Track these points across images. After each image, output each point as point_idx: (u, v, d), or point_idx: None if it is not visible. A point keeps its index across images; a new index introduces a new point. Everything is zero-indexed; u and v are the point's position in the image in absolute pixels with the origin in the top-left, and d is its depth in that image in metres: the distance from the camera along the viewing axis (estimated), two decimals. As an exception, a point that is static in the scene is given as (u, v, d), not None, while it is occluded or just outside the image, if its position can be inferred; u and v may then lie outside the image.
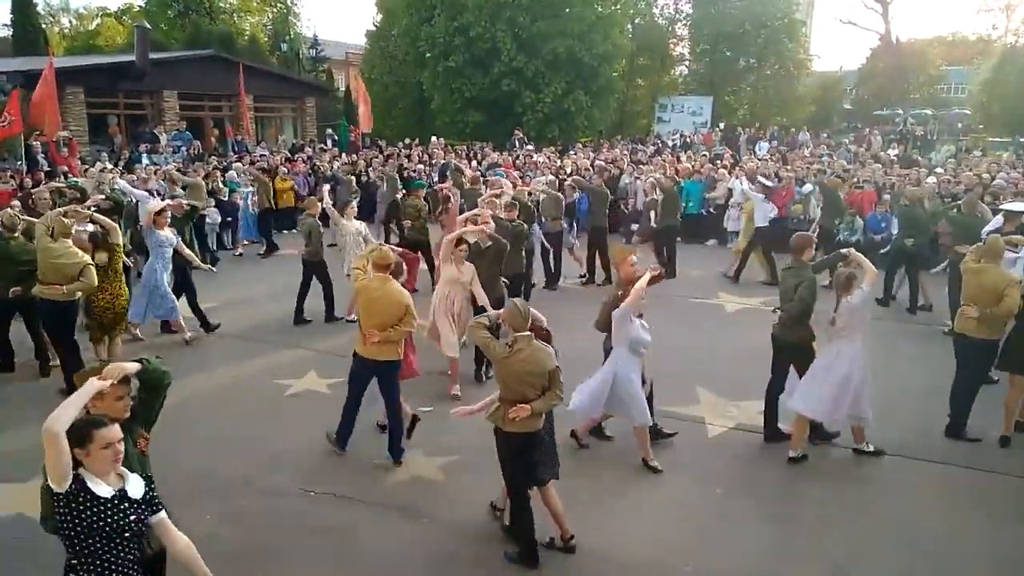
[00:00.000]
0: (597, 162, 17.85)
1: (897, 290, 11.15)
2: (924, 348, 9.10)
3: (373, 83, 32.45)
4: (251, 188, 15.78)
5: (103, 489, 3.06)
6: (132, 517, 3.11)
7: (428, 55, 29.17)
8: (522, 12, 27.14)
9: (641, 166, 18.17)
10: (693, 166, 17.38)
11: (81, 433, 3.03)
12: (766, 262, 12.27)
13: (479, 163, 19.43)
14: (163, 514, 3.22)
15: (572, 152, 22.65)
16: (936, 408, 6.96)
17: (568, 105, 28.11)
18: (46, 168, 15.38)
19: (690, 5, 35.03)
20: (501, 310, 5.25)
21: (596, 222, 12.32)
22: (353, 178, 16.18)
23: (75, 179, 12.65)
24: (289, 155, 20.04)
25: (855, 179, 15.59)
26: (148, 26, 24.79)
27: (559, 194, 12.18)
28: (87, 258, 7.54)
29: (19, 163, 15.30)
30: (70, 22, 49.73)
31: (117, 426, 3.16)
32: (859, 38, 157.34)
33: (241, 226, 15.43)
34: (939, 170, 17.52)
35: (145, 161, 17.59)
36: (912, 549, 5.18)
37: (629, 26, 33.22)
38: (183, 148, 20.35)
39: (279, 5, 39.16)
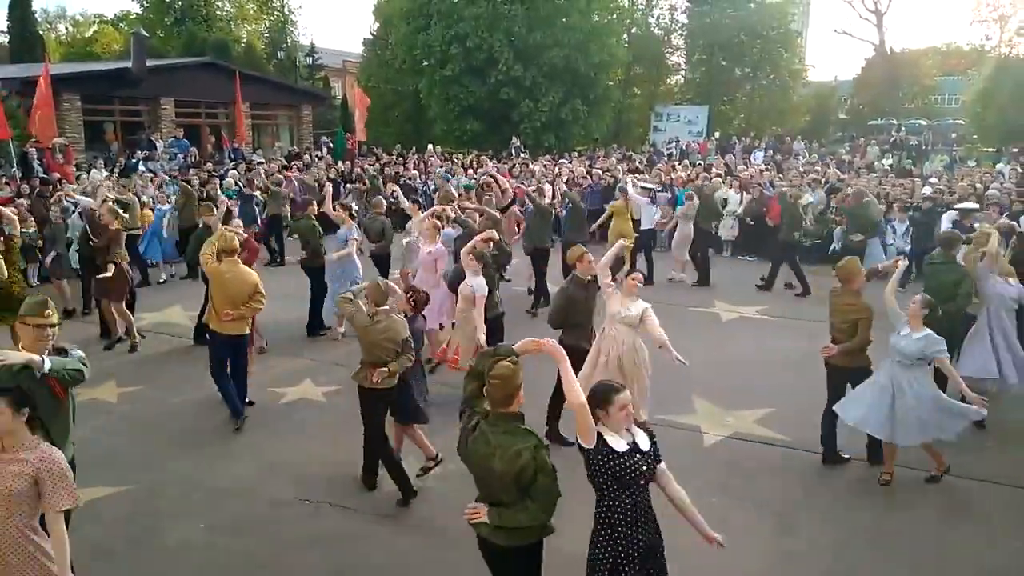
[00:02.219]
0: (585, 168, 17.86)
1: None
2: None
3: (370, 91, 32.48)
4: (168, 205, 13.98)
5: (619, 444, 3.57)
6: (643, 467, 3.58)
7: (425, 63, 29.27)
8: (518, 22, 27.27)
9: (637, 175, 18.21)
10: (688, 175, 17.43)
11: (603, 398, 3.60)
12: (646, 263, 12.79)
13: (475, 171, 19.47)
14: (663, 465, 3.69)
15: (564, 160, 22.70)
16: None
17: (565, 114, 28.21)
18: (42, 175, 15.35)
19: (686, 15, 35.22)
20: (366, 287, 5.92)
21: (539, 242, 11.38)
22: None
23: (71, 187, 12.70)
24: (285, 163, 20.04)
25: (849, 188, 15.64)
26: (145, 33, 24.78)
27: (497, 215, 10.67)
28: None
29: (13, 169, 15.27)
30: (67, 29, 49.82)
31: (628, 392, 3.69)
32: (854, 48, 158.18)
33: (151, 246, 13.31)
34: (933, 180, 17.64)
35: (141, 168, 17.58)
36: (911, 560, 5.19)
37: (625, 36, 33.38)
38: (180, 155, 20.34)
39: (276, 13, 39.23)
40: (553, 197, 15.24)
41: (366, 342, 5.67)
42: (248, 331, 7.21)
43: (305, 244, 9.88)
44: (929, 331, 5.89)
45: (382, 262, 10.78)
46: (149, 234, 13.28)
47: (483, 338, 7.08)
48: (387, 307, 5.73)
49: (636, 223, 12.83)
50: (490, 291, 7.42)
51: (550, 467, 3.53)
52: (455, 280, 8.25)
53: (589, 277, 6.65)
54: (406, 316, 5.98)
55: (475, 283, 7.36)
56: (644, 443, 3.65)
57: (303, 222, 10.09)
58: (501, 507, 3.60)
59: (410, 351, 5.75)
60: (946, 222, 11.75)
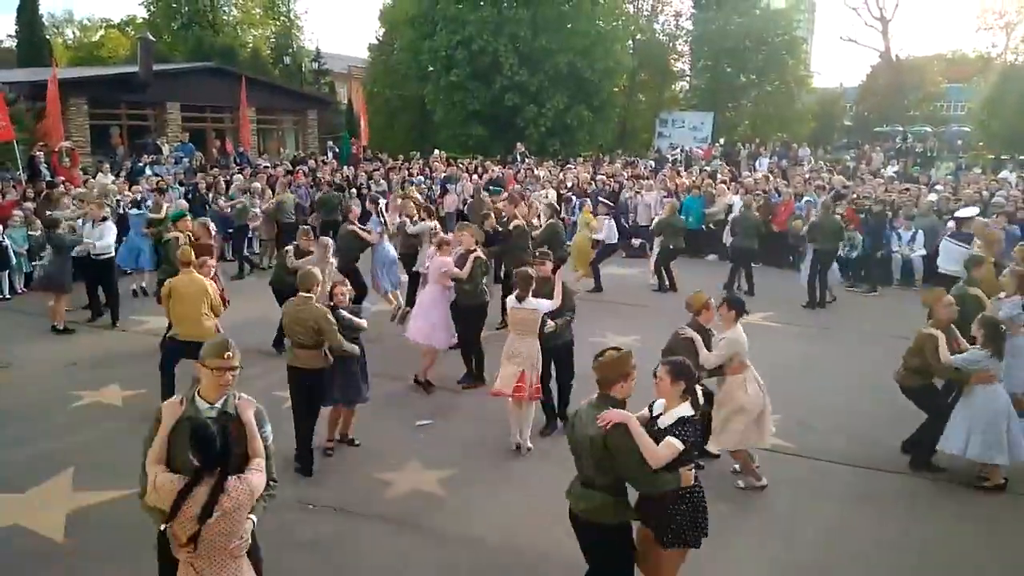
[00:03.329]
0: (589, 174, 17.83)
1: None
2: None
3: (375, 96, 32.54)
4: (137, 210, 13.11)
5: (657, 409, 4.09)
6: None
7: (430, 68, 29.31)
8: (524, 27, 27.30)
9: (641, 180, 18.23)
10: (692, 182, 17.43)
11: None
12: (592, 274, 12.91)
13: (480, 177, 19.49)
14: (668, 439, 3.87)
15: (571, 166, 22.72)
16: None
17: (570, 120, 28.22)
18: (48, 178, 15.39)
19: (691, 22, 35.24)
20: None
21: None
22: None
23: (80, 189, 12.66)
24: (291, 167, 20.08)
25: (854, 195, 15.66)
26: (152, 38, 24.88)
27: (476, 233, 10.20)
28: None
29: (19, 172, 15.32)
30: (74, 33, 50.00)
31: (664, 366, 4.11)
32: (859, 55, 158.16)
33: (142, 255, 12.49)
34: (939, 187, 17.60)
35: (148, 172, 17.62)
36: (917, 568, 5.17)
37: (630, 42, 33.40)
38: (185, 159, 20.39)
39: (282, 18, 39.36)
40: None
41: (284, 323, 6.37)
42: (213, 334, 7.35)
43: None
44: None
45: (408, 260, 11.10)
46: (135, 245, 12.51)
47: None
48: (310, 294, 6.23)
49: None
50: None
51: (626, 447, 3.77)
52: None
53: (708, 326, 6.33)
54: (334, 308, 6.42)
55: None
56: (665, 419, 3.97)
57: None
58: (585, 484, 3.94)
59: (333, 340, 6.11)
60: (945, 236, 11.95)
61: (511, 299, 6.89)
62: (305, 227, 10.24)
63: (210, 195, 15.35)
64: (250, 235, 15.25)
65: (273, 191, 15.46)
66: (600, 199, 14.84)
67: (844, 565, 5.18)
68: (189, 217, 10.20)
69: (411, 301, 11.44)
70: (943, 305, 6.44)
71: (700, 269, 14.34)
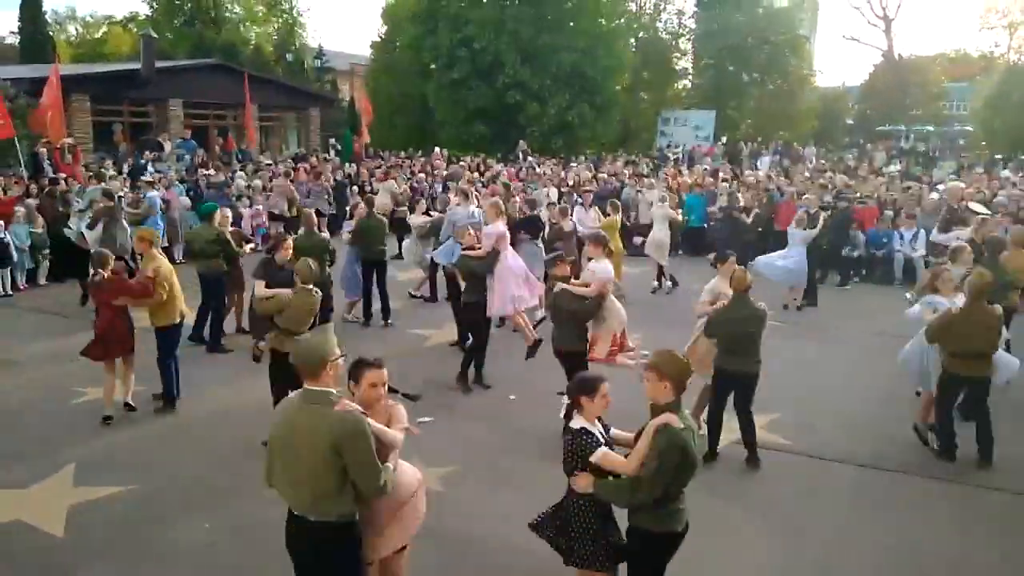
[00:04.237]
0: (591, 172, 17.78)
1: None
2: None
3: (378, 94, 32.52)
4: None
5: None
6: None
7: (432, 66, 29.27)
8: (526, 25, 27.25)
9: (643, 179, 18.20)
10: (695, 180, 17.41)
11: (591, 386, 3.94)
12: None
13: (481, 175, 19.48)
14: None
15: (573, 165, 22.72)
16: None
17: (572, 118, 28.18)
18: (51, 175, 15.42)
19: (694, 20, 35.19)
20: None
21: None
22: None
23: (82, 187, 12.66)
24: (293, 164, 20.08)
25: (857, 194, 15.65)
26: (154, 35, 24.90)
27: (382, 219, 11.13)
28: None
29: (21, 169, 15.32)
30: (76, 30, 50.08)
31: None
32: (862, 54, 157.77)
33: None
34: (941, 186, 17.57)
35: (150, 169, 17.63)
36: (917, 568, 5.16)
37: (633, 40, 33.36)
38: (187, 156, 20.40)
39: (285, 16, 39.34)
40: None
41: (287, 314, 6.51)
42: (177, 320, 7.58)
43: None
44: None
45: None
46: None
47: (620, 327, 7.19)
48: (307, 286, 6.52)
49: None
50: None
51: None
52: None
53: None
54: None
55: (599, 267, 7.15)
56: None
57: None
58: None
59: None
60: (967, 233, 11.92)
61: (595, 264, 7.16)
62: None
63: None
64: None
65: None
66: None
67: (844, 564, 5.18)
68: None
69: (434, 295, 11.83)
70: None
71: (703, 266, 14.31)
